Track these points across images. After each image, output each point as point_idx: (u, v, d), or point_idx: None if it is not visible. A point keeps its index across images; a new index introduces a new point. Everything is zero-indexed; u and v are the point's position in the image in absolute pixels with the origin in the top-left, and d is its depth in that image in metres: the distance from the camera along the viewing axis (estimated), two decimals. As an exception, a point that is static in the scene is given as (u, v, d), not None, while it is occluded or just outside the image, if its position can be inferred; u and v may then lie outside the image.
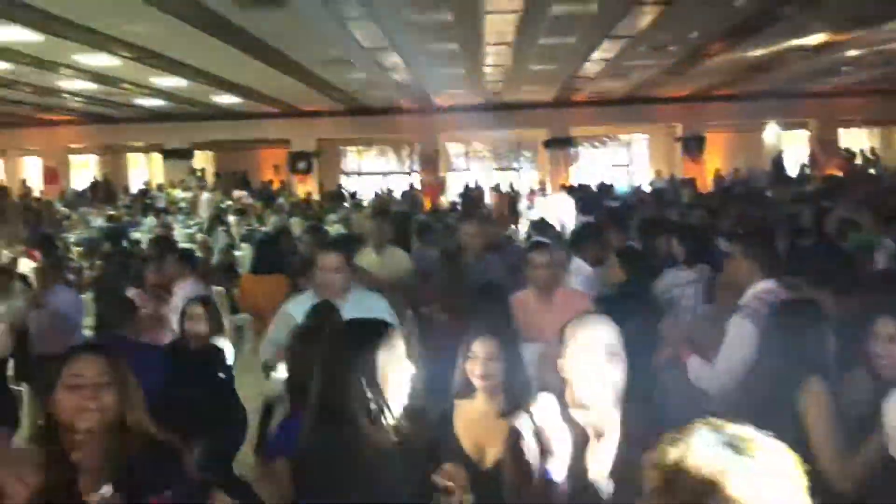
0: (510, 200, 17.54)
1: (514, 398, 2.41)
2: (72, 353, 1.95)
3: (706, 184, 18.02)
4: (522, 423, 2.08)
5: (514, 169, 23.46)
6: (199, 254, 9.57)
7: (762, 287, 3.27)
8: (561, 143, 19.90)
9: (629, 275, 4.40)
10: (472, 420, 2.52)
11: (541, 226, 8.66)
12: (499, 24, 9.61)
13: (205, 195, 16.88)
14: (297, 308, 3.75)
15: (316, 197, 18.96)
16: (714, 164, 19.92)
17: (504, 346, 2.56)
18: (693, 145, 19.41)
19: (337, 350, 2.07)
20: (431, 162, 20.21)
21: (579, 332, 2.02)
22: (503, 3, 8.50)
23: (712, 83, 16.37)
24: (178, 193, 18.01)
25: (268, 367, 3.83)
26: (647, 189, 16.26)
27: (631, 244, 5.48)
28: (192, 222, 15.61)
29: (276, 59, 11.63)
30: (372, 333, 2.07)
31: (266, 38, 10.12)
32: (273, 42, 10.45)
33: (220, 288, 8.34)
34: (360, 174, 23.88)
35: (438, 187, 19.20)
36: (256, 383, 5.40)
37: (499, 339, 2.57)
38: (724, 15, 9.64)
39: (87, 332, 6.49)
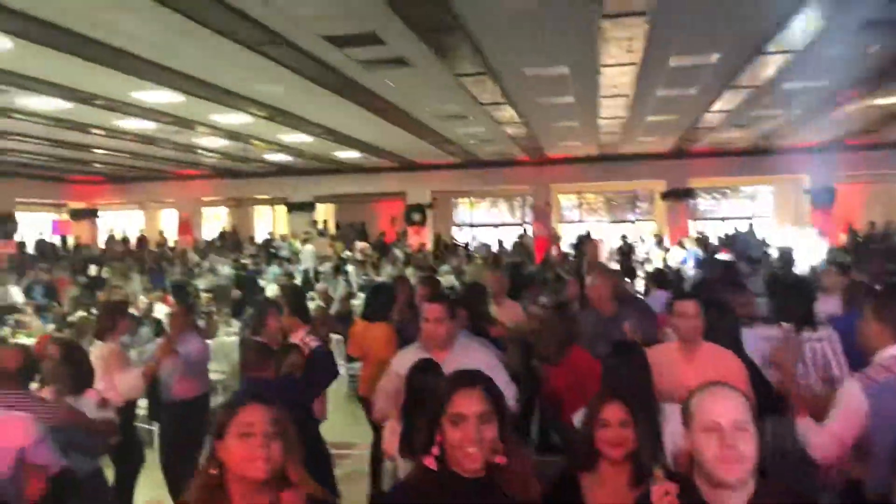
0: (625, 253, 17.17)
1: (645, 465, 2.28)
2: (242, 402, 1.97)
3: (837, 238, 16.99)
4: (653, 491, 1.97)
5: (629, 221, 23.02)
6: (319, 302, 9.93)
7: (889, 353, 3.01)
8: (679, 195, 19.38)
9: (707, 329, 4.23)
10: (604, 492, 2.35)
11: (661, 278, 8.40)
12: (616, 77, 9.56)
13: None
14: (402, 362, 3.78)
15: (429, 247, 19.29)
16: (846, 217, 18.77)
17: (637, 411, 2.38)
18: (822, 197, 18.37)
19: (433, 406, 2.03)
20: (544, 214, 20.16)
21: (704, 405, 1.91)
22: (621, 56, 8.45)
23: (843, 132, 15.54)
24: (300, 244, 18.79)
25: (378, 427, 3.82)
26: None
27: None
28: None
29: (396, 115, 12.05)
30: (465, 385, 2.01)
31: (388, 95, 10.52)
32: (394, 100, 10.84)
33: (338, 336, 8.59)
34: (472, 225, 24.14)
35: (550, 239, 19.08)
36: (366, 432, 5.47)
37: (632, 403, 2.39)
38: (856, 62, 9.18)
39: (214, 376, 6.82)
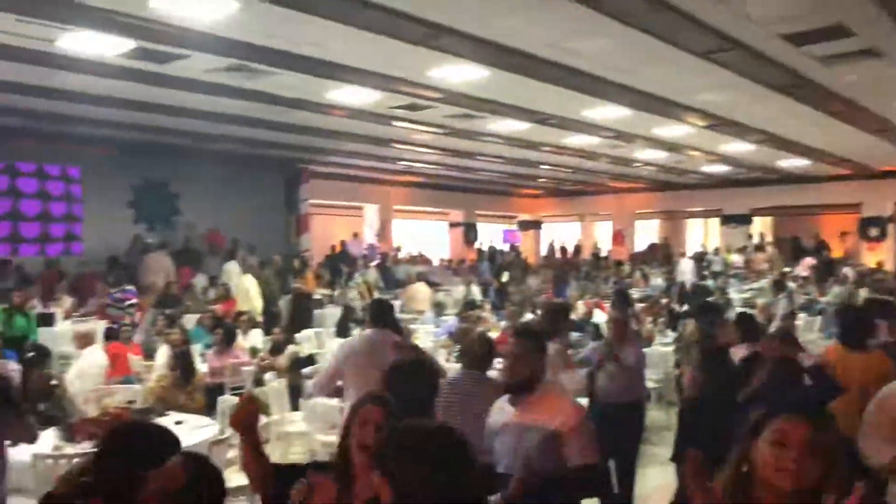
0: None
1: None
2: (779, 415, 1.96)
3: None
4: None
5: None
6: (759, 319, 9.36)
7: None
8: None
9: None
10: None
11: None
12: None
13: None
14: None
15: (889, 267, 16.74)
16: None
17: None
18: None
19: None
20: None
21: None
22: None
23: None
24: (734, 257, 18.02)
25: None
26: None
27: None
28: (746, 287, 15.39)
29: (856, 115, 10.73)
30: None
31: (848, 93, 9.43)
32: (855, 97, 9.67)
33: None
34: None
35: None
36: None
37: None
38: None
39: (649, 384, 6.90)
